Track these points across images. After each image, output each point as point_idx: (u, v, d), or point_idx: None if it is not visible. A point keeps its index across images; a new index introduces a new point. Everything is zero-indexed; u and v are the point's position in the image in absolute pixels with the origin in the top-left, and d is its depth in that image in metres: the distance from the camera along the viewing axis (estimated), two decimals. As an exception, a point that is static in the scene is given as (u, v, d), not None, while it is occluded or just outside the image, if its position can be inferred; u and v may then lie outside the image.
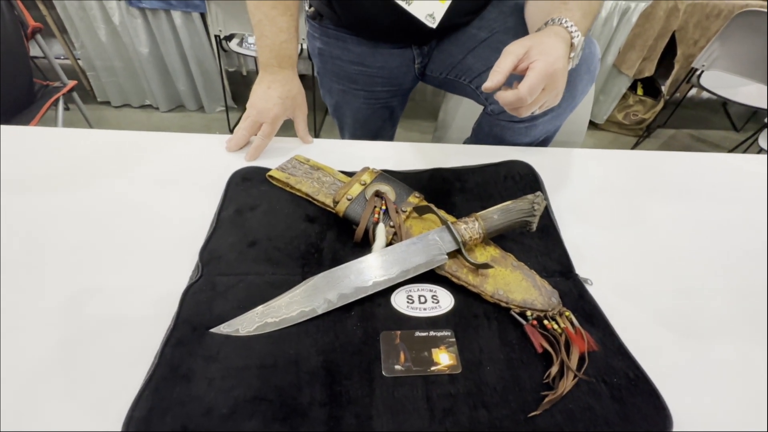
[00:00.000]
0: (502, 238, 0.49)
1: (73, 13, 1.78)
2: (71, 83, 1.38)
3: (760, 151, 1.58)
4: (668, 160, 0.68)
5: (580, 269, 0.47)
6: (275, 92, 0.64)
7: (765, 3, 1.76)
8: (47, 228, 0.49)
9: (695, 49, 1.91)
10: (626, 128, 2.24)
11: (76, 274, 0.45)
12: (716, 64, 1.71)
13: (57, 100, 1.31)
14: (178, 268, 0.45)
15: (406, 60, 0.76)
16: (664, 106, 2.11)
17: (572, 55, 0.50)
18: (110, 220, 0.51)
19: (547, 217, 0.53)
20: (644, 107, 2.14)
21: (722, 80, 1.81)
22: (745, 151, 1.92)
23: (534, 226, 0.46)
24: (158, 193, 0.55)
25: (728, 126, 2.41)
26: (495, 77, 0.46)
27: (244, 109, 0.65)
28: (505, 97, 0.47)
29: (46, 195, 0.54)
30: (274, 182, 0.56)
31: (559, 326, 0.40)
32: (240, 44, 1.97)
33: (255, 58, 2.15)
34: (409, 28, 0.66)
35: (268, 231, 0.49)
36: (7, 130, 0.64)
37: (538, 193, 0.46)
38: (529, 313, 0.41)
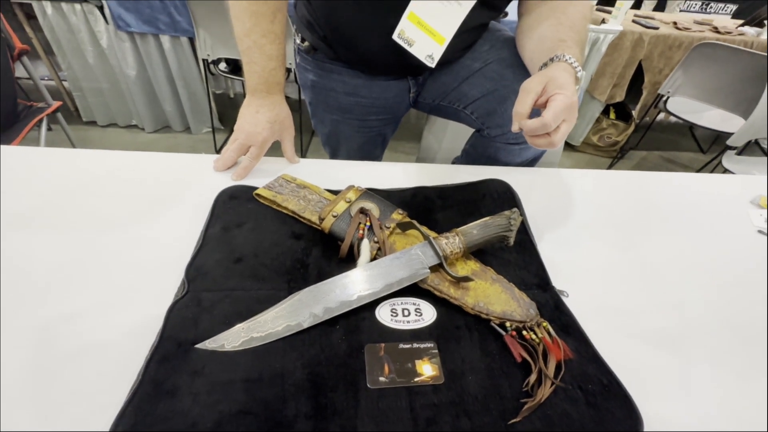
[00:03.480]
0: (481, 253, 0.51)
1: (61, 36, 1.79)
2: (56, 104, 1.38)
3: (725, 171, 1.68)
4: (642, 179, 0.73)
5: (557, 282, 0.49)
6: (264, 116, 0.65)
7: (719, 36, 1.91)
8: (34, 247, 0.49)
9: (660, 76, 2.05)
10: (601, 150, 2.35)
11: (62, 294, 0.44)
12: (680, 91, 1.83)
13: (40, 121, 1.31)
14: (164, 287, 0.45)
15: (402, 90, 0.78)
16: (636, 129, 2.23)
17: (576, 87, 0.53)
18: (97, 239, 0.51)
19: (524, 232, 0.55)
20: (617, 130, 2.25)
21: (687, 105, 1.94)
22: (711, 171, 2.03)
23: (511, 241, 0.48)
24: (145, 212, 0.56)
25: (695, 148, 2.56)
26: (519, 118, 0.49)
27: (230, 131, 0.66)
28: (530, 124, 0.49)
29: (33, 215, 0.54)
30: (261, 200, 0.57)
31: (537, 336, 0.41)
32: (227, 69, 2.00)
33: (242, 81, 2.19)
34: (408, 65, 0.68)
35: (254, 247, 0.50)
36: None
37: (515, 209, 0.49)
38: (508, 324, 0.42)
